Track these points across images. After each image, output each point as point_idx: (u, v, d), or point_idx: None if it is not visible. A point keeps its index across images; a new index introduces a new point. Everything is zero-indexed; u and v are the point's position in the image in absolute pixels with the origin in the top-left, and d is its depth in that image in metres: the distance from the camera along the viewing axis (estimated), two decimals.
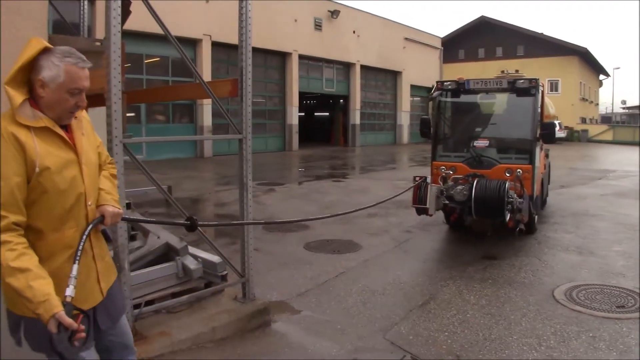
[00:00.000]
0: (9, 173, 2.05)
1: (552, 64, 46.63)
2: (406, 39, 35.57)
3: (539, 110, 7.84)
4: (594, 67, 55.40)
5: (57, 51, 2.17)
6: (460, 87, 7.87)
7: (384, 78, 35.63)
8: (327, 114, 37.06)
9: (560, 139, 39.29)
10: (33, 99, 2.18)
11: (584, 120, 49.43)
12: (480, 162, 7.37)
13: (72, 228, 2.25)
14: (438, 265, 6.82)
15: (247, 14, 4.39)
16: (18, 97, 2.12)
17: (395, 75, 36.00)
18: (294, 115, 27.33)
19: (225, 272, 4.76)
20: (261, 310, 4.64)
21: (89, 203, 2.32)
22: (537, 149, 7.61)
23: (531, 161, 7.28)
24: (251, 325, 4.51)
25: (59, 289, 2.02)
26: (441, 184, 7.30)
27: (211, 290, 4.60)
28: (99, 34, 7.77)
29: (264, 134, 26.44)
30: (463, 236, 8.18)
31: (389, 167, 20.38)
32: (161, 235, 4.80)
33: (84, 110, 2.38)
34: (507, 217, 6.67)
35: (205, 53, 21.57)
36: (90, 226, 2.27)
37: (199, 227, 3.16)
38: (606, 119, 63.39)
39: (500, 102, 8.15)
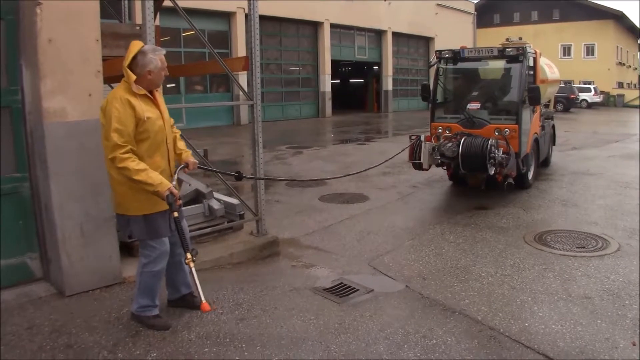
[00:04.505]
0: (128, 122, 3.50)
1: (587, 28, 45.92)
2: (438, 5, 35.65)
3: (531, 74, 8.67)
4: (632, 31, 53.84)
5: (150, 49, 3.67)
6: (456, 55, 8.74)
7: (415, 45, 35.97)
8: (362, 80, 37.70)
9: (596, 104, 38.93)
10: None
11: (621, 85, 48.52)
12: (473, 122, 8.26)
13: (159, 156, 3.75)
14: (431, 213, 7.87)
15: (255, 6, 5.43)
16: (132, 76, 3.57)
17: (427, 41, 36.25)
18: (326, 83, 28.20)
19: (242, 212, 5.97)
20: (271, 242, 5.80)
21: (168, 142, 3.82)
22: (526, 111, 8.44)
23: (518, 121, 8.11)
24: (263, 254, 5.67)
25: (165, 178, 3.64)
26: (433, 142, 8.25)
27: (230, 225, 5.80)
28: (139, 13, 8.78)
29: (298, 101, 27.54)
30: (462, 190, 9.14)
31: (415, 132, 21.17)
32: (192, 184, 5.98)
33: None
34: (492, 171, 7.56)
35: (240, 25, 22.45)
36: (179, 168, 3.97)
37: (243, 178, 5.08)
38: None
39: (492, 68, 9.02)
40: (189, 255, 3.62)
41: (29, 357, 3.55)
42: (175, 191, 3.62)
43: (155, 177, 3.53)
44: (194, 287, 3.72)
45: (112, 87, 8.50)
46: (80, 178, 4.36)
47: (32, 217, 4.55)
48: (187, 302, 4.24)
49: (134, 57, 3.60)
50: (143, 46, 3.65)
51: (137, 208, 3.69)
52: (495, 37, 32.24)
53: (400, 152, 8.37)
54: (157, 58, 3.65)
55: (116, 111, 3.48)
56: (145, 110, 3.61)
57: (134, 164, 3.49)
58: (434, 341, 3.88)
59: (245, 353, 3.66)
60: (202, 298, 3.58)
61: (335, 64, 30.01)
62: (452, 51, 8.76)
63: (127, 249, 5.08)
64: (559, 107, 30.58)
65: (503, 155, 7.61)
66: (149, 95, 3.72)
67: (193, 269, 3.61)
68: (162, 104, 3.82)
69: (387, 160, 8.21)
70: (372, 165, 7.87)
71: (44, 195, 4.37)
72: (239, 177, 4.91)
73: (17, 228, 4.49)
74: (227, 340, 3.83)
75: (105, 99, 3.62)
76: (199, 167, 4.35)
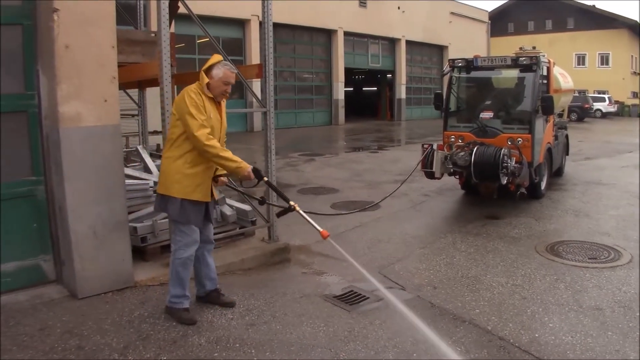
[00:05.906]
0: (199, 108, 3.92)
1: (602, 37, 45.67)
2: (452, 13, 35.68)
3: (544, 84, 8.66)
4: None
5: (223, 62, 4.10)
6: (469, 64, 8.74)
7: (429, 53, 36.00)
8: (375, 88, 37.74)
9: (611, 114, 38.62)
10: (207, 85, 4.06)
11: (635, 95, 48.08)
12: (486, 131, 8.24)
13: None
14: (442, 222, 7.85)
15: (269, 14, 5.48)
16: (206, 79, 4.00)
17: (441, 49, 36.27)
18: (339, 91, 28.29)
19: (254, 219, 6.01)
20: (282, 249, 5.82)
21: (221, 143, 4.15)
22: (539, 120, 8.41)
23: (531, 131, 8.08)
24: (273, 260, 5.69)
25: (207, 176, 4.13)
26: (446, 151, 8.25)
27: (241, 231, 5.83)
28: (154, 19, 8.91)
29: (311, 108, 27.63)
30: (474, 200, 9.11)
31: (428, 140, 21.16)
32: None
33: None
34: (504, 181, 7.54)
35: (254, 33, 22.60)
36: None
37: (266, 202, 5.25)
38: None
39: (505, 78, 9.01)
40: (292, 202, 4.09)
41: (41, 358, 3.59)
42: (252, 173, 4.09)
43: (236, 158, 4.03)
44: (309, 223, 4.07)
45: (127, 93, 8.68)
46: (95, 182, 4.42)
47: (47, 220, 4.61)
48: (212, 298, 4.51)
49: (211, 66, 4.04)
50: (222, 60, 4.12)
51: (178, 191, 4.00)
52: (509, 45, 32.17)
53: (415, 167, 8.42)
54: (222, 69, 4.05)
55: (190, 99, 3.91)
56: (209, 108, 4.04)
57: (216, 142, 3.97)
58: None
59: (255, 358, 3.68)
60: (319, 228, 3.94)
61: (348, 71, 30.10)
62: (466, 60, 8.76)
63: (139, 253, 5.13)
64: (573, 116, 30.40)
65: (515, 165, 7.59)
66: (215, 101, 4.15)
67: (301, 211, 4.08)
68: (224, 112, 4.26)
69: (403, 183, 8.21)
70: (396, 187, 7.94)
71: (59, 199, 4.43)
72: (262, 202, 5.01)
73: (31, 230, 4.55)
74: (237, 345, 3.85)
75: (180, 93, 4.06)
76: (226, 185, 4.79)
